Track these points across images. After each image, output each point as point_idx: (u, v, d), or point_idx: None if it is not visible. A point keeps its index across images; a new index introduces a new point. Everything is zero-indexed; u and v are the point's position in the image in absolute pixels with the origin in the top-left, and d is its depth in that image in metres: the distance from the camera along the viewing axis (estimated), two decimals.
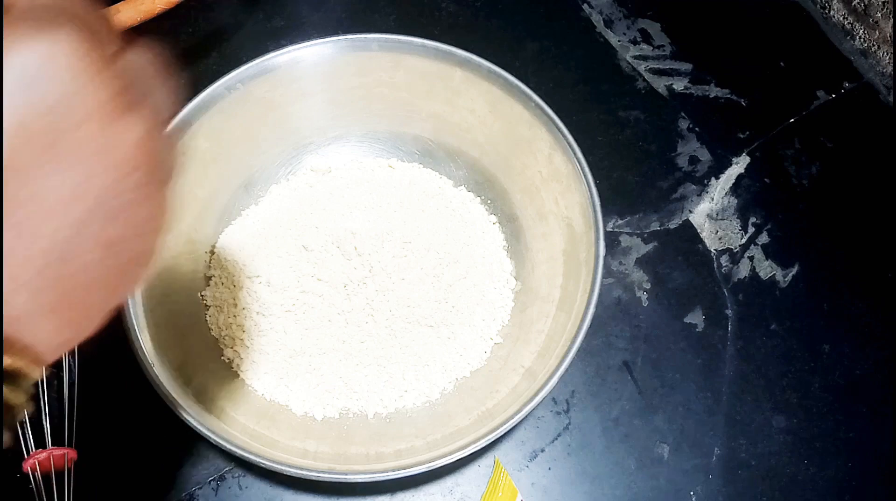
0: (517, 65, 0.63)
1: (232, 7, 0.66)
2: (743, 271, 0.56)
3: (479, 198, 0.54)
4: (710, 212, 0.58)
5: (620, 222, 0.57)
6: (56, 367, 0.49)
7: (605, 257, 0.43)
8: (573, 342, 0.40)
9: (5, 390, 0.19)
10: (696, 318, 0.54)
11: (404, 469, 0.38)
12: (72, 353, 0.49)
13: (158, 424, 0.48)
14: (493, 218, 0.53)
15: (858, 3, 0.65)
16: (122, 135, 0.19)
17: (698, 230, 0.58)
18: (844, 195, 0.60)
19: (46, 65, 0.18)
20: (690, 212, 0.58)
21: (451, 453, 0.38)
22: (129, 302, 0.41)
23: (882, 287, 0.56)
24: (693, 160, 0.60)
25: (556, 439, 0.49)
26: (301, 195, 0.53)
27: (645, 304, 0.54)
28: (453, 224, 0.53)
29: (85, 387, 0.49)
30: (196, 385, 0.43)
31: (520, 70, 0.47)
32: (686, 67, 0.65)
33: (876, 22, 0.64)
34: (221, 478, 0.47)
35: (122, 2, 0.51)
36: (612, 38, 0.66)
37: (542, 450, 0.49)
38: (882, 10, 0.63)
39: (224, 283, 0.50)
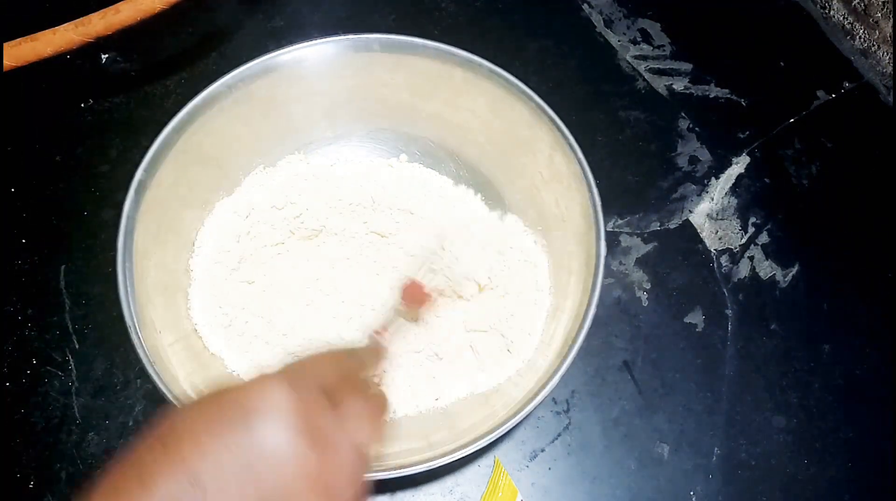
0: (517, 65, 0.63)
1: (232, 7, 0.66)
2: (743, 271, 0.56)
3: (478, 196, 0.54)
4: (710, 212, 0.58)
5: (620, 222, 0.57)
6: (55, 366, 0.49)
7: (605, 257, 0.43)
8: (573, 342, 0.40)
9: None
10: (696, 318, 0.54)
11: (404, 468, 0.38)
12: (72, 352, 0.49)
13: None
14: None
15: (858, 3, 0.65)
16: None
17: (698, 230, 0.58)
18: (844, 195, 0.60)
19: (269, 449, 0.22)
20: (690, 212, 0.58)
21: (451, 453, 0.38)
22: (130, 302, 0.41)
23: (882, 287, 0.56)
24: (693, 160, 0.60)
25: (556, 439, 0.49)
26: (301, 197, 0.53)
27: (645, 304, 0.54)
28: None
29: (85, 387, 0.49)
30: (197, 385, 0.43)
31: (520, 70, 0.47)
32: (686, 67, 0.65)
33: (876, 22, 0.64)
34: None
35: (122, 1, 0.51)
36: (612, 38, 0.66)
37: (542, 450, 0.49)
38: (882, 10, 0.63)
39: (212, 283, 0.50)
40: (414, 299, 0.46)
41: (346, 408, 0.26)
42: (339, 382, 0.27)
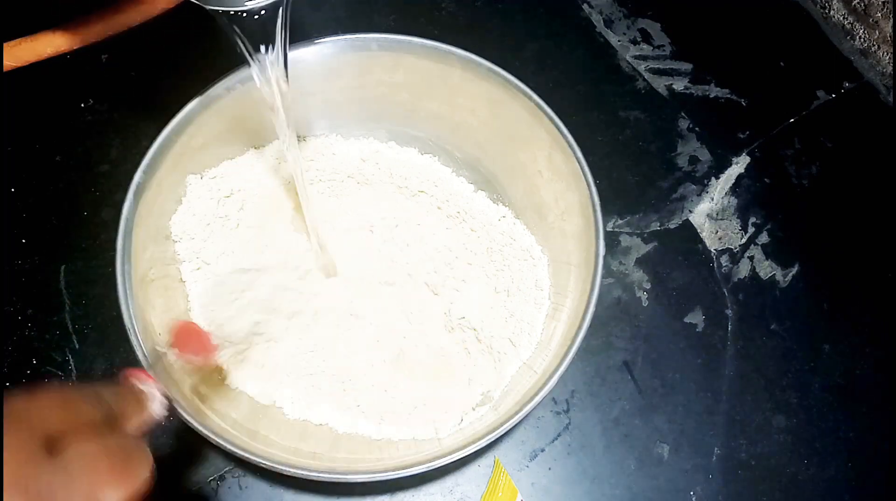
0: (517, 65, 0.63)
1: None
2: (743, 271, 0.56)
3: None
4: (710, 212, 0.58)
5: (620, 222, 0.57)
6: (55, 366, 0.49)
7: (605, 257, 0.43)
8: (573, 342, 0.40)
9: None
10: (696, 318, 0.54)
11: (404, 468, 0.38)
12: (72, 352, 0.49)
13: (158, 424, 0.48)
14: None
15: (858, 3, 0.65)
16: None
17: (698, 230, 0.57)
18: (844, 195, 0.60)
19: None
20: (690, 212, 0.58)
21: (451, 453, 0.38)
22: (129, 305, 0.41)
23: (882, 287, 0.56)
24: (693, 160, 0.60)
25: (556, 439, 0.49)
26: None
27: (645, 304, 0.54)
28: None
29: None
30: (196, 386, 0.43)
31: (520, 70, 0.47)
32: (686, 67, 0.65)
33: (876, 22, 0.64)
34: (221, 478, 0.47)
35: (122, 2, 0.51)
36: (612, 38, 0.66)
37: (542, 450, 0.49)
38: (882, 10, 0.63)
39: (210, 283, 0.50)
40: (188, 346, 0.34)
41: (72, 457, 0.25)
42: (70, 427, 0.25)
